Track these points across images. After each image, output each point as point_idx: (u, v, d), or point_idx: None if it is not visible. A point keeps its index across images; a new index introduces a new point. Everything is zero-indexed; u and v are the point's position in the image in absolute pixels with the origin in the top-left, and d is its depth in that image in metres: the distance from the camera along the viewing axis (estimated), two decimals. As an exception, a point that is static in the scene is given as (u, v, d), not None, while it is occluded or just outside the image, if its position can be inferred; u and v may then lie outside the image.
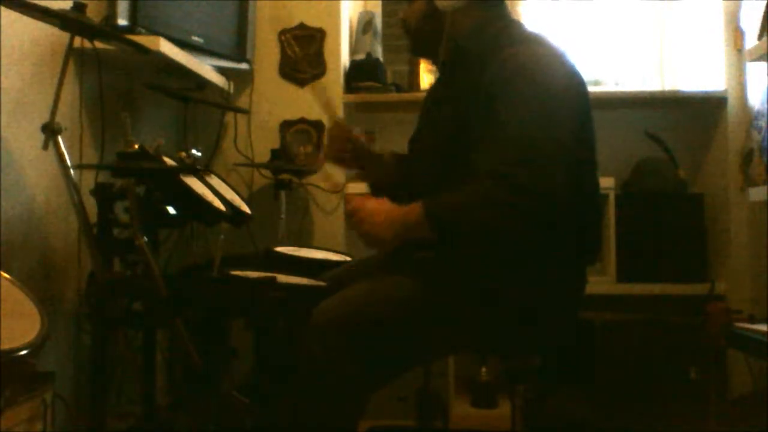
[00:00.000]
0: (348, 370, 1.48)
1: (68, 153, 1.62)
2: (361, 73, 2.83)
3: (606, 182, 2.59)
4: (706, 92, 2.77)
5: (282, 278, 1.78)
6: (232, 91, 2.71)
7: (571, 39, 3.10)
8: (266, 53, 2.76)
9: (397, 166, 1.85)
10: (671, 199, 2.74)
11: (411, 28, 1.73)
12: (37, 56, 1.84)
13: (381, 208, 1.52)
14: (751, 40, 2.42)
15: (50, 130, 1.58)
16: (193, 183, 1.92)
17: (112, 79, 2.06)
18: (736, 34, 2.57)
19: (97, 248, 1.65)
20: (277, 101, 2.77)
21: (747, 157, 2.52)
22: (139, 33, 2.00)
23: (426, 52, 1.83)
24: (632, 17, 3.15)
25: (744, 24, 2.52)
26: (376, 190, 1.86)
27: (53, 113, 1.58)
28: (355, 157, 1.84)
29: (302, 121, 2.75)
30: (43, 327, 1.28)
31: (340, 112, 2.74)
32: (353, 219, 1.53)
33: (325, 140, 1.84)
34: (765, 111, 2.39)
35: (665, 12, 3.12)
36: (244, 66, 2.66)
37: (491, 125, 1.47)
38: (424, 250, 1.53)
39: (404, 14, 1.75)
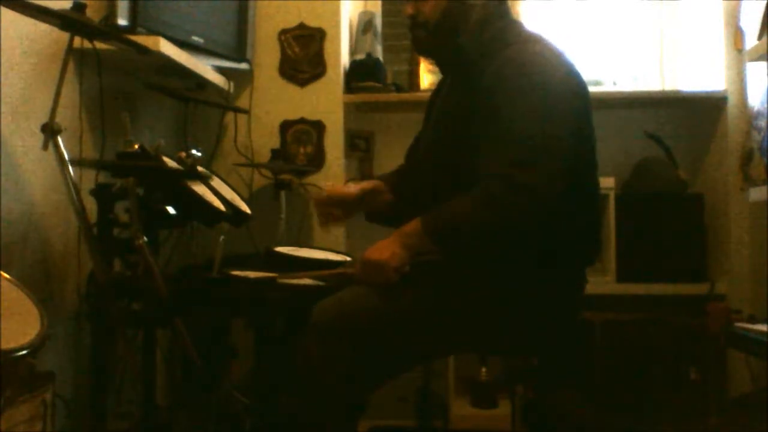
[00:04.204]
0: (347, 369, 1.49)
1: (68, 153, 1.62)
2: (361, 73, 2.82)
3: (606, 182, 2.59)
4: (706, 92, 2.77)
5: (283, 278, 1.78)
6: (232, 91, 2.70)
7: (570, 39, 3.10)
8: (266, 53, 2.76)
9: (391, 186, 1.83)
10: (671, 199, 2.73)
11: (430, 26, 1.63)
12: (37, 56, 1.83)
13: (379, 242, 1.52)
14: (751, 40, 2.42)
15: (50, 130, 1.57)
16: (193, 183, 1.92)
17: (112, 79, 2.06)
18: (736, 34, 2.57)
19: (97, 248, 1.64)
20: (277, 101, 2.76)
21: (747, 157, 2.52)
22: (139, 33, 2.00)
23: (438, 51, 1.73)
24: (632, 17, 3.15)
25: (744, 24, 2.52)
26: (372, 217, 1.86)
27: (53, 113, 1.57)
28: (348, 209, 1.81)
29: (302, 121, 2.75)
30: (43, 327, 1.28)
31: (341, 113, 2.75)
32: (360, 268, 1.53)
33: (314, 210, 1.86)
34: (765, 111, 2.39)
35: (665, 12, 3.12)
36: (244, 66, 2.66)
37: (490, 125, 1.47)
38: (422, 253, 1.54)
39: (414, 9, 1.65)
